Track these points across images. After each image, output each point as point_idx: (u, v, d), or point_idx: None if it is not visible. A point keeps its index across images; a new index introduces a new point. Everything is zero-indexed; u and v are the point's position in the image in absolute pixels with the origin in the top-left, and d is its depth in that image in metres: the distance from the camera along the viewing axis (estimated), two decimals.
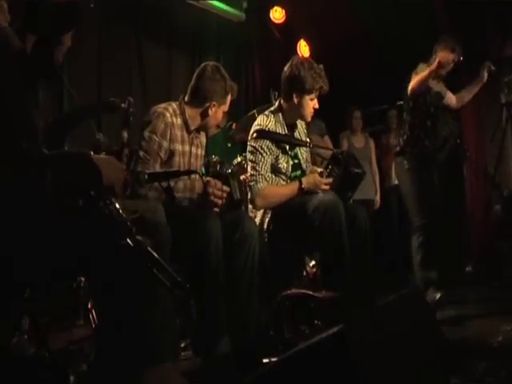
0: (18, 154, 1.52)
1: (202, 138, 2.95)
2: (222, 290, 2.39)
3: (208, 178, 2.69)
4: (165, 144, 2.66)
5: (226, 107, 2.88)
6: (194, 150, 2.84)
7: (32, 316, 2.53)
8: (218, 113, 2.84)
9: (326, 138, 5.35)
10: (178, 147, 2.73)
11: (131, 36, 4.78)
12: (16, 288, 1.79)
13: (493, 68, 3.87)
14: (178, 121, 2.75)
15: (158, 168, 2.62)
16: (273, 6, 6.00)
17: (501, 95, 5.28)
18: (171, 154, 2.69)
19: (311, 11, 5.60)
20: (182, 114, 2.77)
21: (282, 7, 6.00)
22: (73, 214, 1.63)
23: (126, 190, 1.95)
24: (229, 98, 2.86)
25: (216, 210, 2.64)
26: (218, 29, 5.67)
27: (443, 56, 3.69)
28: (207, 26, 5.52)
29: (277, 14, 6.01)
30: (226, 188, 2.65)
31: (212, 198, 2.60)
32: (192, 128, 2.81)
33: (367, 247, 2.89)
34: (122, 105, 2.32)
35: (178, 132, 2.74)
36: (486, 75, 3.88)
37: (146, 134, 2.65)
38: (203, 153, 2.95)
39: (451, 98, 3.91)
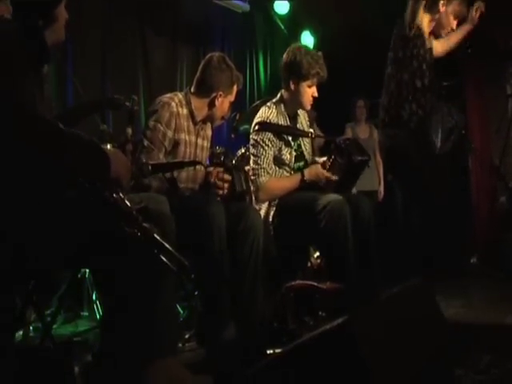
0: (33, 119, 1.49)
1: (208, 130, 2.94)
2: (225, 279, 2.39)
3: (210, 168, 2.68)
4: (169, 133, 2.65)
5: (232, 97, 2.87)
6: (200, 141, 2.83)
7: (36, 307, 2.54)
8: (224, 103, 2.83)
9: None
10: (184, 137, 2.72)
11: (136, 27, 4.76)
12: (20, 278, 1.79)
13: (483, 10, 3.38)
14: (184, 111, 2.74)
15: (162, 157, 2.61)
16: None
17: (506, 86, 5.26)
18: (176, 143, 2.68)
19: (315, 2, 5.57)
20: (188, 104, 2.76)
21: None
22: (76, 201, 1.62)
23: (130, 182, 1.94)
24: (235, 88, 2.85)
25: (219, 199, 2.64)
26: (222, 20, 5.65)
27: (456, 9, 3.27)
28: (212, 17, 5.50)
29: (281, 5, 5.99)
30: (227, 176, 2.65)
31: (214, 187, 2.60)
32: (198, 119, 2.80)
33: (371, 238, 2.89)
34: (127, 103, 2.32)
35: (184, 122, 2.73)
36: (476, 17, 3.40)
37: (151, 122, 2.65)
38: (208, 145, 2.95)
39: (435, 47, 3.42)
